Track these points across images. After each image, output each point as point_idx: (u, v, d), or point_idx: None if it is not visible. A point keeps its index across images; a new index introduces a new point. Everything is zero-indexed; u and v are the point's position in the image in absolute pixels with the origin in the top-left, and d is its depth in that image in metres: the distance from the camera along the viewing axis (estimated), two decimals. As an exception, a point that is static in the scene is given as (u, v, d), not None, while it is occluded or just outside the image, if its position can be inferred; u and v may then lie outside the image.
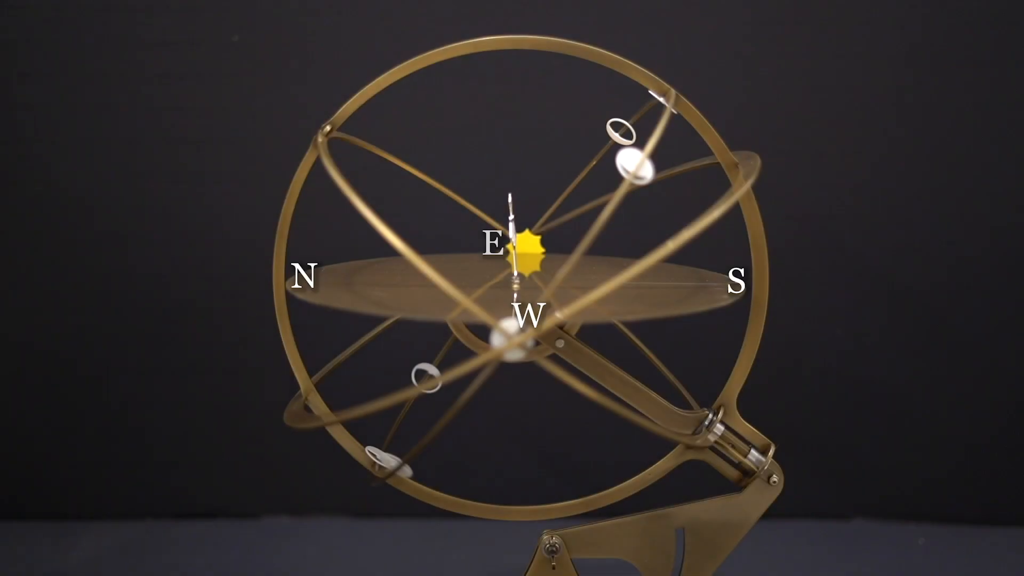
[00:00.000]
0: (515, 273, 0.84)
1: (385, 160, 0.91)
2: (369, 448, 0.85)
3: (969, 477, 1.30)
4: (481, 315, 0.63)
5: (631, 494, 0.85)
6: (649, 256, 0.63)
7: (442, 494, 0.86)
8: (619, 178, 0.67)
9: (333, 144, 0.78)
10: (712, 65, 1.24)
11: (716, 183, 0.82)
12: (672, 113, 0.73)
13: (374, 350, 1.04)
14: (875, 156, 1.26)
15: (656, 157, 0.67)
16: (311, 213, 0.86)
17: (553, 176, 0.97)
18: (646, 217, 1.04)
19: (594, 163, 0.92)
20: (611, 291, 0.61)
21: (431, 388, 0.68)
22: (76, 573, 1.17)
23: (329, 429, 0.86)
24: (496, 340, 0.63)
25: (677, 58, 1.24)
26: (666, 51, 1.24)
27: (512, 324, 0.63)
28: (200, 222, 1.27)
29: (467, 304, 0.62)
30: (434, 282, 0.62)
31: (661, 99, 0.77)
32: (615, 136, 0.82)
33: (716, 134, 0.79)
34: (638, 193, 0.70)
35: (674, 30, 1.24)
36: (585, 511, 0.85)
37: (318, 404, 0.85)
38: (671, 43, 1.24)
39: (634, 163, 0.66)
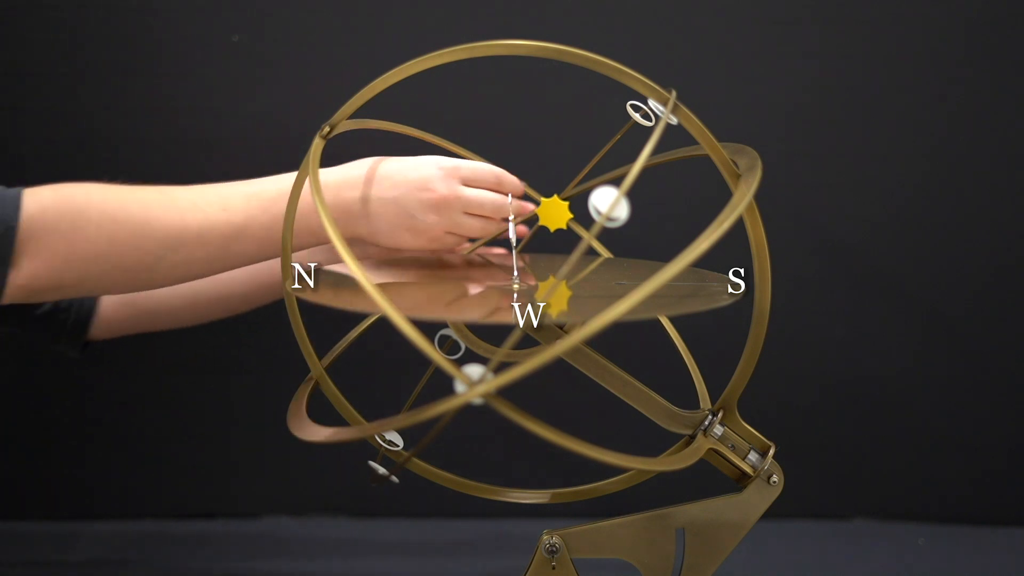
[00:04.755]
0: (515, 273, 0.84)
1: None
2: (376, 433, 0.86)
3: (969, 477, 1.30)
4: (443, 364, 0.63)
5: (636, 482, 0.87)
6: (653, 279, 0.63)
7: (447, 474, 0.87)
8: (634, 150, 0.66)
9: (351, 137, 0.78)
10: (712, 66, 1.24)
11: (715, 181, 0.82)
12: (667, 125, 0.73)
13: (373, 349, 1.04)
14: (876, 157, 1.25)
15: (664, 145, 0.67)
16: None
17: (553, 173, 0.98)
18: (646, 216, 1.04)
19: (617, 138, 0.92)
20: (624, 312, 0.61)
21: (477, 397, 0.65)
22: (76, 573, 1.17)
23: (340, 409, 0.86)
24: (459, 387, 0.63)
25: (677, 60, 1.24)
26: (666, 52, 1.24)
27: (475, 371, 0.62)
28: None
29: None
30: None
31: (660, 109, 0.76)
32: (635, 117, 0.83)
33: (716, 143, 0.78)
34: (638, 193, 0.70)
35: (673, 33, 1.24)
36: (592, 496, 0.86)
37: (354, 417, 0.86)
38: (671, 45, 1.24)
39: (607, 203, 0.65)
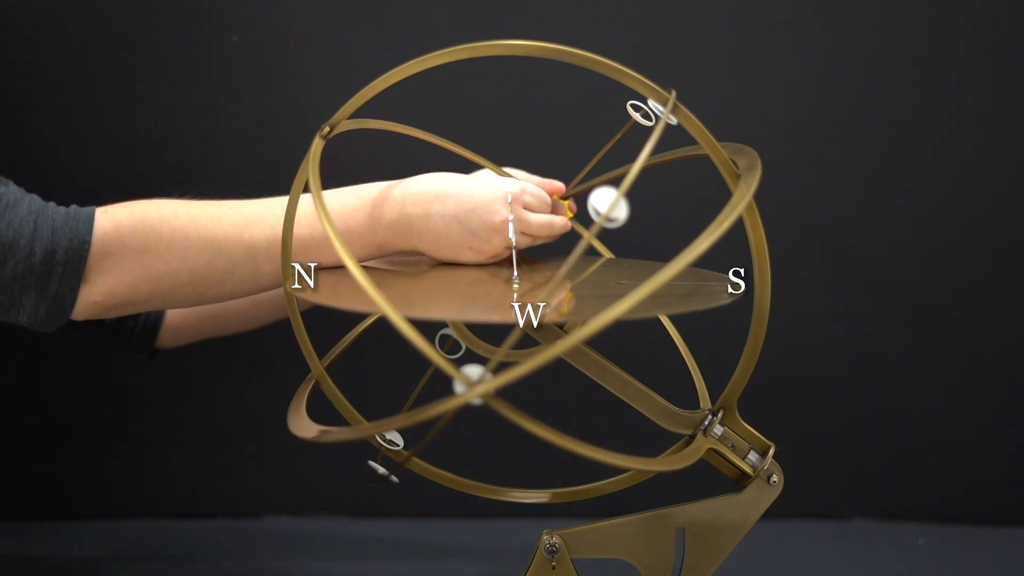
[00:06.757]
0: (515, 273, 0.84)
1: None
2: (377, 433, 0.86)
3: (969, 477, 1.30)
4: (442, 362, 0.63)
5: (636, 482, 0.87)
6: (653, 278, 0.63)
7: (447, 473, 0.87)
8: (634, 150, 0.66)
9: (351, 137, 0.78)
10: (712, 67, 1.24)
11: (715, 181, 0.82)
12: (667, 125, 0.73)
13: (373, 349, 1.04)
14: (876, 157, 1.26)
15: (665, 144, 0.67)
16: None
17: (553, 173, 0.98)
18: (645, 216, 1.04)
19: (617, 138, 0.92)
20: (624, 312, 0.61)
21: (476, 397, 0.64)
22: (76, 573, 1.17)
23: (340, 409, 0.86)
24: (458, 388, 0.63)
25: (677, 60, 1.24)
26: (666, 52, 1.24)
27: (474, 371, 0.62)
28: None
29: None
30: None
31: (660, 110, 0.76)
32: (636, 117, 0.83)
33: (716, 143, 0.78)
34: (638, 193, 0.70)
35: (673, 33, 1.24)
36: (592, 496, 0.86)
37: (354, 417, 0.86)
38: (671, 45, 1.24)
39: (607, 203, 0.65)
